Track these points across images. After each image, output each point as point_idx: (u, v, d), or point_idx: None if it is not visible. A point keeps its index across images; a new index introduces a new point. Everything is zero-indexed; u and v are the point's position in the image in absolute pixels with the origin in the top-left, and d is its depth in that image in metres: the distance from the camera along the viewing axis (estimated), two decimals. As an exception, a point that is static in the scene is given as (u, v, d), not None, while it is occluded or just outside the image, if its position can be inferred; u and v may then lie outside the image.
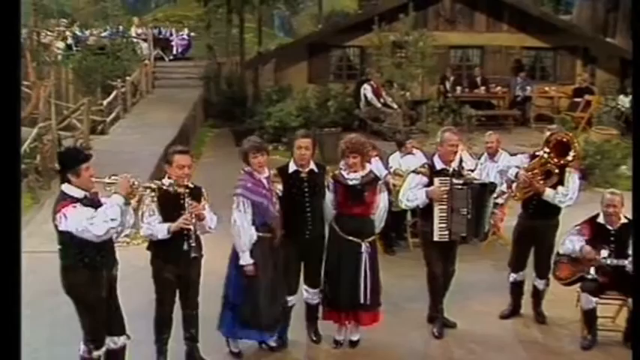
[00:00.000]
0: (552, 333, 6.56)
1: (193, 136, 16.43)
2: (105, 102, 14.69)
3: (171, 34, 21.78)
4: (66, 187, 4.74)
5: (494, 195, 6.58)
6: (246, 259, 5.58)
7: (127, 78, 16.38)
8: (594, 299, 6.11)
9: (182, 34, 21.92)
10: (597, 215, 6.25)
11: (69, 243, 4.71)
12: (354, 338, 6.15)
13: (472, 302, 7.01)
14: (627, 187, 11.87)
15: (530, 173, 6.41)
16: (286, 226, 5.83)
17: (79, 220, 4.58)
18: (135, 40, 19.87)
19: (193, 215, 5.28)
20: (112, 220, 4.58)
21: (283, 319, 5.94)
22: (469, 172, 6.57)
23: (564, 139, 6.32)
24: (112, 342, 5.11)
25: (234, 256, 5.70)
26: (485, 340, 6.35)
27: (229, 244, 5.76)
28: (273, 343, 6.00)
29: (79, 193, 4.71)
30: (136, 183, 4.89)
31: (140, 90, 17.88)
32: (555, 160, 6.26)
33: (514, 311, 6.85)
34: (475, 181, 6.34)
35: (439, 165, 6.24)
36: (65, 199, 4.67)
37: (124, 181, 4.78)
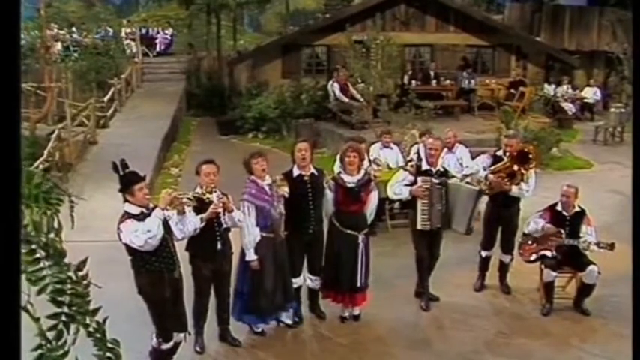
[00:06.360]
0: (517, 301, 6.83)
1: (180, 125, 16.26)
2: (105, 98, 14.39)
3: (158, 32, 21.34)
4: (125, 206, 4.76)
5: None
6: (251, 256, 5.64)
7: (122, 76, 16.01)
8: (554, 273, 6.42)
9: (166, 33, 21.48)
10: (556, 204, 6.52)
11: (131, 252, 4.74)
12: (356, 313, 6.29)
13: (447, 277, 7.11)
14: (557, 167, 12.56)
15: (497, 176, 6.64)
16: (292, 223, 5.90)
17: (128, 234, 4.63)
18: (124, 39, 19.39)
19: (221, 204, 5.26)
20: (149, 231, 4.60)
21: (286, 302, 5.96)
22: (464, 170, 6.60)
23: (525, 150, 6.58)
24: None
25: (242, 252, 5.75)
26: (465, 310, 6.57)
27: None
28: (289, 321, 6.09)
29: (135, 210, 4.72)
30: (176, 195, 4.92)
31: (132, 85, 17.51)
32: (517, 167, 6.50)
33: (482, 283, 7.12)
34: (450, 182, 6.41)
35: (425, 166, 6.41)
36: (124, 216, 4.70)
37: (165, 195, 4.83)
